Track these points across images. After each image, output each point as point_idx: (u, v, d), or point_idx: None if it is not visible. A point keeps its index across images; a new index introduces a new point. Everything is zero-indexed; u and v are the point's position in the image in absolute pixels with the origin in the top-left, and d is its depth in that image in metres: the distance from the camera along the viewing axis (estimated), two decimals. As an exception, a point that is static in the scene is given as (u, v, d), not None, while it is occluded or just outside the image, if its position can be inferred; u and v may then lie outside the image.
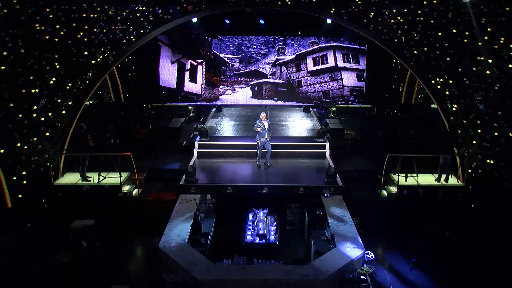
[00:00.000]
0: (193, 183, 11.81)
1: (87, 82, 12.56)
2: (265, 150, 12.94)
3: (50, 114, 11.66)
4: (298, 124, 18.11)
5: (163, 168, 13.88)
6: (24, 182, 11.38)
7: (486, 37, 10.62)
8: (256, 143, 12.91)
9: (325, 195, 11.46)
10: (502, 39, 10.41)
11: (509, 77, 10.58)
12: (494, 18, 10.33)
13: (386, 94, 20.32)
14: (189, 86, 20.06)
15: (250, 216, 10.29)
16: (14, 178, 11.15)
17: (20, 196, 11.23)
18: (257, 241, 9.32)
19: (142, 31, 12.82)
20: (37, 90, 11.12)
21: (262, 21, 18.22)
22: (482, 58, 10.93)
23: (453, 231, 10.93)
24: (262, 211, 10.41)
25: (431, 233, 10.26)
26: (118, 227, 11.00)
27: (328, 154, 14.39)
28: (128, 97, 20.80)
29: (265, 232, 9.55)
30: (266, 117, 12.77)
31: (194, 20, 13.78)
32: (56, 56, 11.20)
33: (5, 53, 10.23)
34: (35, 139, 11.46)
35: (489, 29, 10.52)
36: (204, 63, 19.96)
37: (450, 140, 12.11)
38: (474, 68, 11.23)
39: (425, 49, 12.33)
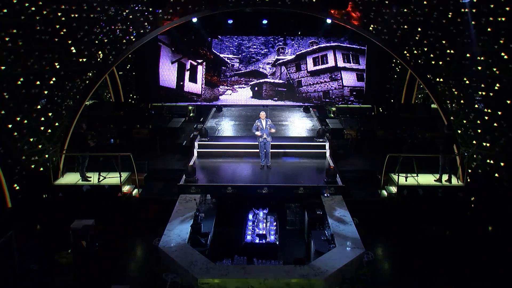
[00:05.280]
0: (193, 183, 11.81)
1: (87, 82, 12.56)
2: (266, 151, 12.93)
3: (50, 114, 11.66)
4: (298, 124, 18.11)
5: (163, 168, 13.87)
6: (24, 182, 11.38)
7: (486, 37, 10.62)
8: (257, 143, 12.93)
9: (325, 195, 11.46)
10: (502, 39, 10.41)
11: (509, 77, 10.58)
12: (494, 18, 10.33)
13: (386, 94, 20.32)
14: (189, 86, 20.05)
15: (250, 216, 10.29)
16: (14, 178, 11.16)
17: (20, 196, 11.24)
18: (257, 241, 9.31)
19: (142, 31, 12.82)
20: (37, 90, 11.13)
21: (265, 21, 18.20)
22: (482, 58, 10.94)
23: (453, 231, 10.94)
24: (262, 211, 10.41)
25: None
26: (118, 227, 11.01)
27: (328, 154, 14.39)
28: (132, 97, 20.81)
29: (265, 232, 9.54)
30: (266, 116, 12.70)
31: (194, 20, 13.77)
32: (56, 56, 11.20)
33: (5, 53, 10.24)
34: (35, 139, 11.46)
35: (489, 29, 10.52)
36: (204, 63, 19.96)
37: (449, 141, 12.10)
38: (474, 68, 11.23)
39: (425, 49, 12.33)
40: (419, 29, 12.10)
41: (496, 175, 11.52)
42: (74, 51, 11.60)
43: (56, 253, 9.17)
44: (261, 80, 20.21)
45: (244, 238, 9.45)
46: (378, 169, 12.76)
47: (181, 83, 19.85)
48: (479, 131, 11.69)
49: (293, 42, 19.76)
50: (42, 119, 11.49)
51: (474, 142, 11.87)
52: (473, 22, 10.58)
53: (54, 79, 11.40)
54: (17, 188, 11.23)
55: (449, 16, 11.18)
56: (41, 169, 11.82)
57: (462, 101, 11.94)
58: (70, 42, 11.39)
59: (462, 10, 10.73)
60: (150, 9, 12.14)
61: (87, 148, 12.02)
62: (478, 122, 11.63)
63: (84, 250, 9.28)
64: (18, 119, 10.94)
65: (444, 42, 11.75)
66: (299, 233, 11.24)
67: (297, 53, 19.87)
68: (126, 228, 11.21)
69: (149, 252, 9.83)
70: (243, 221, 10.17)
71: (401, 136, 15.53)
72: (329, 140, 14.98)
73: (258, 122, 12.51)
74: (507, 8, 10.02)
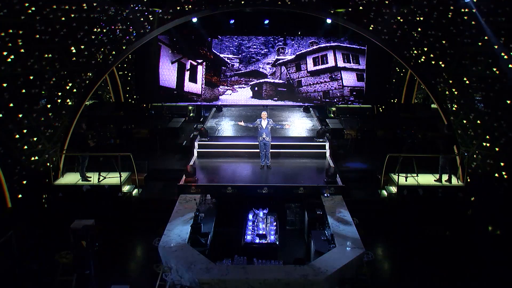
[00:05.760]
0: (193, 183, 11.81)
1: (87, 82, 12.56)
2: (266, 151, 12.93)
3: (50, 114, 11.66)
4: (298, 124, 18.12)
5: (163, 168, 13.86)
6: (24, 182, 11.38)
7: (486, 37, 10.62)
8: (257, 143, 12.94)
9: (325, 195, 11.45)
10: (502, 39, 10.40)
11: (509, 77, 10.57)
12: (494, 18, 10.33)
13: (386, 94, 20.32)
14: (189, 86, 20.04)
15: (250, 216, 10.28)
16: (14, 178, 11.15)
17: (20, 196, 11.24)
18: (257, 241, 9.31)
19: (142, 31, 12.82)
20: (37, 90, 11.12)
21: (266, 21, 18.21)
22: (482, 58, 10.93)
23: (453, 231, 10.94)
24: (262, 211, 10.40)
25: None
26: (118, 227, 11.00)
27: (328, 154, 14.39)
28: (132, 97, 20.81)
29: (265, 232, 9.54)
30: (267, 116, 12.74)
31: (194, 20, 13.77)
32: (56, 56, 11.20)
33: (5, 53, 10.24)
34: (35, 139, 11.45)
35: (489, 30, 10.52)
36: (204, 63, 19.95)
37: (449, 141, 12.09)
38: (474, 68, 11.22)
39: (425, 49, 12.33)
40: (419, 29, 12.10)
41: (496, 175, 11.52)
42: (74, 51, 11.60)
43: (56, 253, 9.17)
44: (261, 80, 20.20)
45: (244, 238, 9.45)
46: (378, 169, 12.76)
47: (181, 84, 19.86)
48: (479, 131, 11.69)
49: (293, 42, 19.75)
50: (42, 119, 11.48)
51: (474, 142, 11.87)
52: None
53: (54, 79, 11.40)
54: (17, 188, 11.22)
55: (449, 16, 11.18)
56: (41, 169, 11.82)
57: (462, 101, 11.94)
58: (70, 42, 11.39)
59: (462, 10, 10.73)
60: (150, 9, 12.14)
61: (87, 148, 12.02)
62: (478, 122, 11.63)
63: (84, 250, 9.28)
64: (18, 119, 10.93)
65: (444, 42, 11.74)
66: (299, 233, 11.25)
67: (297, 53, 19.86)
68: (126, 228, 11.21)
69: (149, 252, 9.83)
70: (243, 221, 10.16)
71: (401, 136, 15.53)
72: (329, 140, 14.97)
73: (259, 121, 12.58)
74: (507, 8, 10.02)
